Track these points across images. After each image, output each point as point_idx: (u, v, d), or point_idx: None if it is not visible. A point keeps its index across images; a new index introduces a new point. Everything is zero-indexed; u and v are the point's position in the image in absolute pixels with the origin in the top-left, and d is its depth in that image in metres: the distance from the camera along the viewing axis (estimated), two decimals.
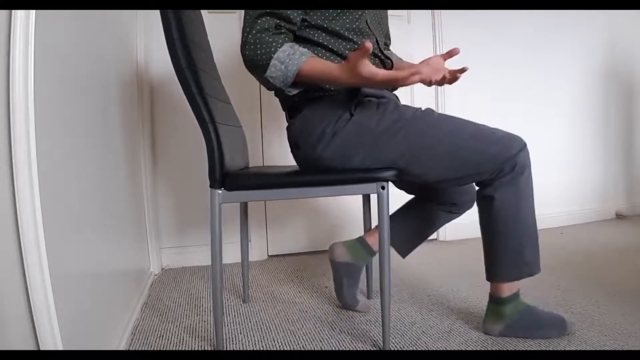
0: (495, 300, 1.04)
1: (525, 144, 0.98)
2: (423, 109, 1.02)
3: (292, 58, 0.88)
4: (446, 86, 2.09)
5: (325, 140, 0.97)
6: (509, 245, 0.99)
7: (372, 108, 0.98)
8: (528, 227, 0.99)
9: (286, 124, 1.09)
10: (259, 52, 0.88)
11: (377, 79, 0.81)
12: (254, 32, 0.89)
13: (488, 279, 1.05)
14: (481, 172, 0.96)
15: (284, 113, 1.12)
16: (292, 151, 1.08)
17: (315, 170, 1.01)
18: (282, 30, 0.92)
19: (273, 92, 1.01)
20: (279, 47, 0.88)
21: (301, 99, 1.00)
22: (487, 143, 0.95)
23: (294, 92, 0.95)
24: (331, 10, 0.97)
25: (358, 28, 1.00)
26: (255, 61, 0.89)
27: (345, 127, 0.97)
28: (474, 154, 0.95)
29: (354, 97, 0.98)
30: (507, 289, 1.02)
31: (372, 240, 1.19)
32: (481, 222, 1.04)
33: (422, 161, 0.96)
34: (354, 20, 0.99)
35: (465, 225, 2.17)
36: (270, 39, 0.89)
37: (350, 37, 0.99)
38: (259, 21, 0.89)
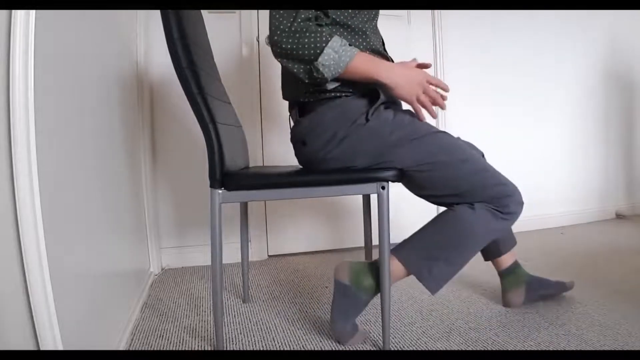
0: (371, 265, 1.01)
1: (523, 202, 1.00)
2: (439, 128, 1.03)
3: (344, 49, 0.89)
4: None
5: (335, 142, 0.97)
6: (435, 245, 0.97)
7: (388, 117, 0.98)
8: (464, 252, 0.98)
9: (287, 125, 1.09)
10: (306, 40, 0.87)
11: (419, 92, 0.93)
12: (298, 20, 0.88)
13: (392, 250, 1.00)
14: (475, 199, 0.97)
15: (283, 113, 1.11)
16: (295, 147, 1.07)
17: (316, 170, 1.01)
18: (322, 23, 0.93)
19: (282, 94, 1.01)
20: (330, 37, 0.89)
21: (315, 99, 0.99)
22: (494, 182, 0.97)
23: (332, 86, 0.95)
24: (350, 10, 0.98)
25: (371, 26, 1.02)
26: (303, 49, 0.88)
27: (358, 131, 0.96)
28: (476, 186, 0.96)
29: (372, 102, 0.97)
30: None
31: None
32: (440, 214, 1.02)
33: (423, 178, 0.97)
34: (370, 19, 1.01)
35: None
36: (319, 28, 0.89)
37: (368, 34, 1.00)
38: (301, 11, 0.89)
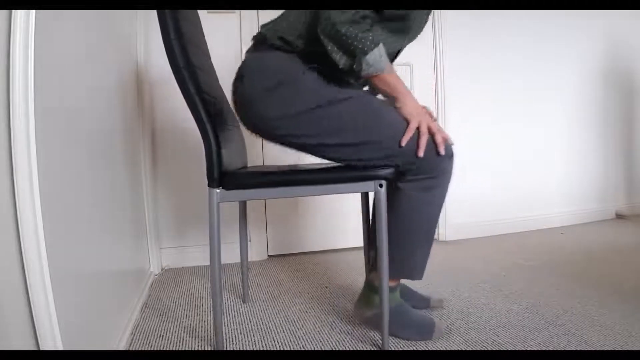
0: (370, 287, 1.07)
1: (453, 155, 0.98)
2: (371, 94, 1.04)
3: (385, 57, 0.93)
4: (446, 87, 2.10)
5: (271, 84, 0.96)
6: (401, 244, 1.00)
7: (321, 78, 0.98)
8: (426, 233, 1.01)
9: None
10: (363, 35, 0.89)
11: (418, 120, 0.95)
12: (361, 14, 0.90)
13: (375, 268, 1.05)
14: (397, 161, 0.96)
15: None
16: (233, 87, 1.05)
17: (249, 115, 0.99)
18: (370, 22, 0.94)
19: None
20: (380, 40, 0.92)
21: (265, 48, 1.00)
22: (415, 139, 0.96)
23: (360, 81, 1.01)
24: None
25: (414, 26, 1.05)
26: (359, 41, 0.89)
27: (296, 78, 0.96)
28: (406, 147, 0.95)
29: (309, 64, 0.98)
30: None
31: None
32: (388, 210, 1.01)
33: (355, 136, 0.96)
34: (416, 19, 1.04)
35: (466, 225, 2.18)
36: (373, 27, 0.92)
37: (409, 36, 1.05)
38: (361, 11, 0.90)
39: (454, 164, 0.99)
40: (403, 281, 1.24)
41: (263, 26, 1.04)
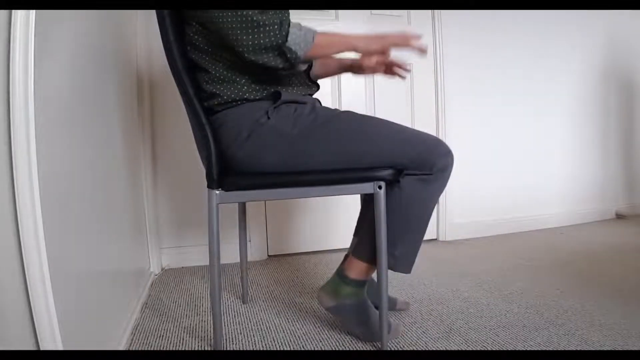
0: (340, 276, 1.05)
1: (450, 152, 0.97)
2: (341, 110, 1.04)
3: (304, 28, 0.91)
4: (446, 87, 2.09)
5: (239, 140, 0.96)
6: (388, 230, 0.97)
7: (289, 112, 0.98)
8: (417, 227, 1.00)
9: None
10: (270, 30, 0.87)
11: (387, 41, 0.94)
12: (257, 14, 0.87)
13: (352, 253, 1.05)
14: (397, 167, 0.97)
15: None
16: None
17: (228, 171, 1.00)
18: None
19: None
20: (288, 17, 0.91)
21: (221, 106, 0.98)
22: (412, 144, 0.96)
23: (304, 67, 0.97)
24: None
25: None
26: (269, 39, 0.87)
27: (261, 129, 0.96)
28: (395, 153, 0.95)
29: (274, 102, 0.97)
30: (357, 272, 1.03)
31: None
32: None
33: (340, 162, 0.96)
34: None
35: (466, 225, 2.18)
36: (276, 13, 0.89)
37: None
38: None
39: (453, 160, 0.98)
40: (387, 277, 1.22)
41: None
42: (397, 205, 0.97)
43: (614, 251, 1.80)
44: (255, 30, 0.87)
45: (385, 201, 0.96)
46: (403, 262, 1.00)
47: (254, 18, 0.87)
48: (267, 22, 0.87)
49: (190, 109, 0.98)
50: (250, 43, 0.88)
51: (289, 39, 0.88)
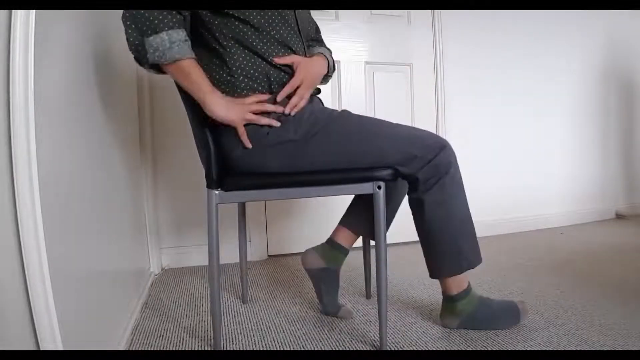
0: (447, 298, 1.08)
1: (446, 145, 0.99)
2: (339, 110, 1.04)
3: (180, 46, 0.87)
4: (446, 87, 2.09)
5: (241, 144, 0.96)
6: (444, 242, 1.01)
7: (289, 117, 0.98)
8: (462, 222, 1.02)
9: None
10: (153, 15, 0.85)
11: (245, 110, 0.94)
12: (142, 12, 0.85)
13: (431, 276, 1.07)
14: (400, 169, 0.98)
15: None
16: None
17: (227, 171, 1.00)
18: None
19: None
20: (175, 26, 0.87)
21: None
22: (407, 144, 0.96)
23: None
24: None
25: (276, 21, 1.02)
26: (146, 20, 0.85)
27: (262, 134, 0.96)
28: (395, 152, 0.96)
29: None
30: (455, 286, 1.05)
31: (342, 239, 1.20)
32: (415, 224, 1.05)
33: (341, 162, 0.97)
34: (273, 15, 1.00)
35: None
36: (172, 12, 0.87)
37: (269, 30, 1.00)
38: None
39: (453, 152, 1.01)
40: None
41: None
42: (436, 218, 1.00)
43: (614, 251, 1.80)
44: (139, 17, 0.85)
45: (425, 222, 1.00)
46: (474, 255, 1.04)
47: (143, 12, 0.86)
48: (148, 15, 0.85)
49: (190, 109, 0.98)
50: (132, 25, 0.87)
51: (150, 38, 0.85)
